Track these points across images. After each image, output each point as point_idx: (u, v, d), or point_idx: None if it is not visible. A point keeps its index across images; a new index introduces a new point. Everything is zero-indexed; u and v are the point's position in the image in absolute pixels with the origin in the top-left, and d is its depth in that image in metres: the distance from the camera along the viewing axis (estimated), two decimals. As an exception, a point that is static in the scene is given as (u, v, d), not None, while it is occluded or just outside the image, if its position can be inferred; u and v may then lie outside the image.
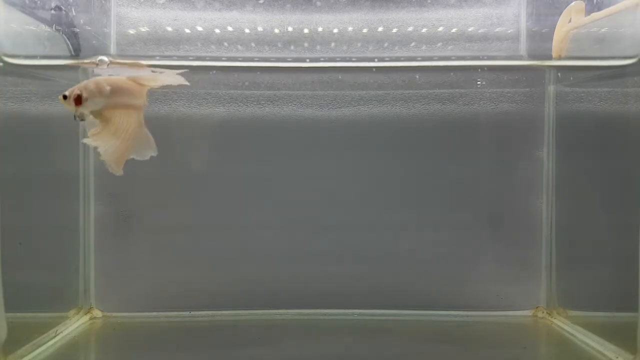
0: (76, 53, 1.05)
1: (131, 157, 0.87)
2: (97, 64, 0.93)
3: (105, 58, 0.94)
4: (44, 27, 0.99)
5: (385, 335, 1.10)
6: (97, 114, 0.83)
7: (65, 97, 0.81)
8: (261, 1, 1.15)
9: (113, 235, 1.19)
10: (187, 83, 0.88)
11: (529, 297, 1.21)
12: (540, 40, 1.13)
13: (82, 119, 0.83)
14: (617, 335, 0.97)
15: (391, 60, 1.17)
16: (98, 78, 0.84)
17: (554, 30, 1.05)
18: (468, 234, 1.22)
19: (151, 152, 0.89)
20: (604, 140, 1.07)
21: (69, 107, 0.82)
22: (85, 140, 0.83)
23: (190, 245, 1.21)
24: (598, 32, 0.99)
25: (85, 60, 1.01)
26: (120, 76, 0.86)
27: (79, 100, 0.81)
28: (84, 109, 0.82)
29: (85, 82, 0.83)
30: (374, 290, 1.20)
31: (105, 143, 0.83)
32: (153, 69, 0.92)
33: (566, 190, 1.17)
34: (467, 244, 1.22)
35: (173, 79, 0.87)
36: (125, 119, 0.85)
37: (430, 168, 1.22)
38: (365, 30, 1.16)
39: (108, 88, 0.82)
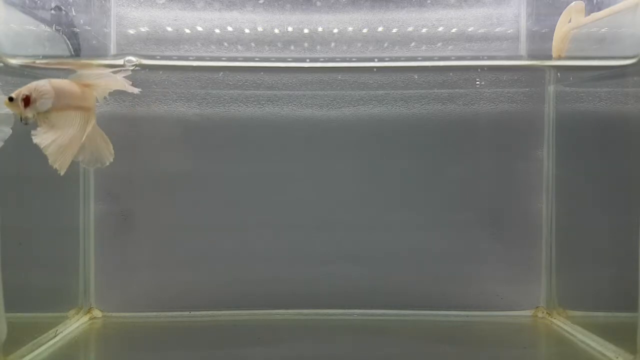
0: (76, 53, 1.05)
1: (84, 160, 0.87)
2: (124, 65, 0.94)
3: (133, 58, 0.94)
4: (44, 27, 0.99)
5: (385, 335, 1.10)
6: (43, 116, 0.82)
7: (11, 99, 0.80)
8: (261, 1, 1.15)
9: (113, 235, 1.19)
10: (134, 91, 0.89)
11: (529, 297, 1.21)
12: (540, 40, 1.13)
13: (27, 123, 0.82)
14: (617, 335, 0.97)
15: (391, 60, 1.17)
16: (43, 80, 0.83)
17: (553, 30, 1.05)
18: (468, 234, 1.22)
19: (107, 158, 0.89)
20: (603, 140, 1.07)
21: (16, 110, 0.81)
22: (34, 139, 0.81)
23: (190, 245, 1.21)
24: (598, 32, 0.99)
25: (100, 61, 1.01)
26: (65, 79, 0.86)
27: (27, 101, 0.80)
28: (31, 111, 0.81)
29: (32, 84, 0.82)
30: (374, 290, 1.20)
31: (52, 143, 0.82)
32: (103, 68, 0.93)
33: (566, 190, 1.17)
34: (467, 244, 1.22)
35: (119, 82, 0.88)
36: (70, 121, 0.84)
37: (430, 168, 1.22)
38: (365, 30, 1.16)
39: (53, 91, 0.82)
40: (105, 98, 0.91)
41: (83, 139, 0.86)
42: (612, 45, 0.96)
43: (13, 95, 0.80)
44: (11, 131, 0.83)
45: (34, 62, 0.94)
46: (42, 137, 0.81)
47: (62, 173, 0.83)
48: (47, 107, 0.82)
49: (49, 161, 0.81)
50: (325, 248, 1.21)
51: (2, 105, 0.82)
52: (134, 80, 1.16)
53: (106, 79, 0.89)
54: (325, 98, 1.20)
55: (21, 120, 0.81)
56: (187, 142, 1.21)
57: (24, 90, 0.81)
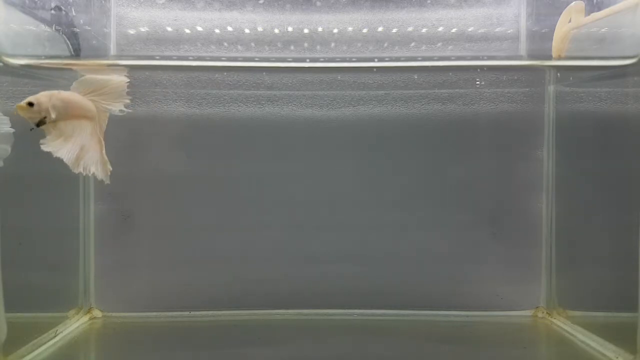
0: (76, 53, 1.05)
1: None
2: None
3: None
4: (44, 27, 0.99)
5: (385, 335, 1.10)
6: (52, 125, 0.86)
7: (31, 104, 0.83)
8: (261, 1, 1.15)
9: (113, 235, 1.19)
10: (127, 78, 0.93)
11: (529, 297, 1.21)
12: (540, 40, 1.13)
13: (39, 126, 0.85)
14: (617, 335, 0.97)
15: (391, 60, 1.17)
16: (52, 92, 0.87)
17: (553, 30, 1.05)
18: (468, 234, 1.22)
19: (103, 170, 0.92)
20: (603, 140, 1.07)
21: (35, 115, 0.84)
22: (45, 148, 0.85)
23: (190, 245, 1.21)
24: (598, 32, 0.98)
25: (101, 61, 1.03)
26: (67, 91, 0.90)
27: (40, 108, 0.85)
28: (49, 116, 0.85)
29: (46, 92, 0.85)
30: (374, 290, 1.20)
31: (64, 150, 0.86)
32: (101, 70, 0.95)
33: (566, 190, 1.17)
34: (467, 244, 1.22)
35: (120, 85, 0.92)
36: (79, 130, 0.88)
37: (430, 168, 1.22)
38: (365, 30, 1.16)
39: (59, 101, 0.86)
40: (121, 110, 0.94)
41: (102, 144, 0.91)
42: (612, 45, 0.96)
43: (33, 101, 0.84)
44: (10, 151, 0.86)
45: (41, 64, 0.96)
46: (53, 146, 0.85)
47: (105, 179, 0.91)
48: (53, 117, 0.85)
49: (78, 170, 0.87)
50: (325, 248, 1.21)
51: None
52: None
53: (110, 84, 0.92)
54: (325, 98, 1.20)
55: (37, 126, 0.85)
56: (187, 142, 1.21)
57: (40, 98, 0.84)
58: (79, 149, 0.87)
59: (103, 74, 0.94)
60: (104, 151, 0.91)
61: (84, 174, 0.88)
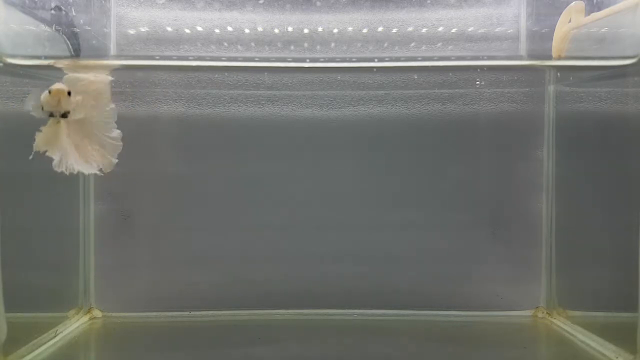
0: (76, 53, 1.05)
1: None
2: None
3: None
4: (44, 27, 0.99)
5: (385, 335, 1.10)
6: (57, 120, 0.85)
7: (69, 93, 0.83)
8: (261, 1, 1.15)
9: (113, 235, 1.19)
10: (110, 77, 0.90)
11: (529, 297, 1.21)
12: (540, 40, 1.13)
13: (64, 117, 0.84)
14: (617, 335, 0.97)
15: (391, 60, 1.17)
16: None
17: (554, 30, 1.05)
18: (468, 234, 1.22)
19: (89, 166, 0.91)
20: (603, 140, 1.07)
21: (64, 105, 0.83)
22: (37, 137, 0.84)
23: (190, 245, 1.21)
24: (598, 32, 0.98)
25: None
26: None
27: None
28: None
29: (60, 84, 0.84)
30: (374, 290, 1.20)
31: (55, 148, 0.85)
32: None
33: (566, 190, 1.17)
34: (467, 244, 1.22)
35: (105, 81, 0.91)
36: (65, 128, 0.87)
37: (430, 168, 1.22)
38: (365, 30, 1.16)
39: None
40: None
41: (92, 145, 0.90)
42: (612, 45, 0.96)
43: (69, 89, 0.83)
44: None
45: (54, 63, 0.95)
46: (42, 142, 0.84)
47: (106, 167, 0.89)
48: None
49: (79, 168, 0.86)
50: (325, 248, 1.21)
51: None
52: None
53: (97, 84, 0.91)
54: (325, 98, 1.20)
55: (62, 117, 0.84)
56: (187, 142, 1.21)
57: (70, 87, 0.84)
58: (61, 150, 0.86)
59: (86, 72, 0.92)
60: (88, 146, 0.90)
61: (67, 172, 0.86)
